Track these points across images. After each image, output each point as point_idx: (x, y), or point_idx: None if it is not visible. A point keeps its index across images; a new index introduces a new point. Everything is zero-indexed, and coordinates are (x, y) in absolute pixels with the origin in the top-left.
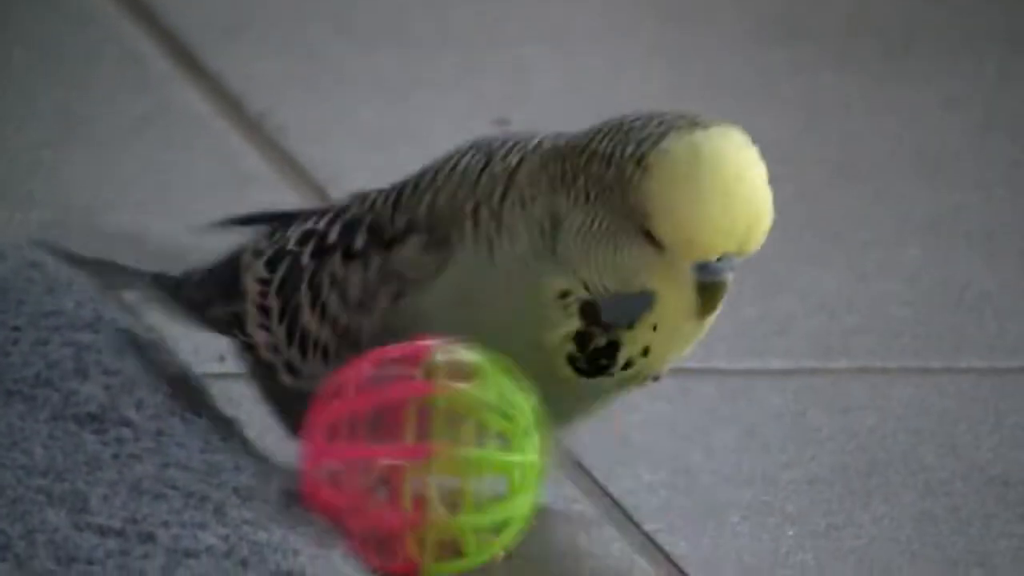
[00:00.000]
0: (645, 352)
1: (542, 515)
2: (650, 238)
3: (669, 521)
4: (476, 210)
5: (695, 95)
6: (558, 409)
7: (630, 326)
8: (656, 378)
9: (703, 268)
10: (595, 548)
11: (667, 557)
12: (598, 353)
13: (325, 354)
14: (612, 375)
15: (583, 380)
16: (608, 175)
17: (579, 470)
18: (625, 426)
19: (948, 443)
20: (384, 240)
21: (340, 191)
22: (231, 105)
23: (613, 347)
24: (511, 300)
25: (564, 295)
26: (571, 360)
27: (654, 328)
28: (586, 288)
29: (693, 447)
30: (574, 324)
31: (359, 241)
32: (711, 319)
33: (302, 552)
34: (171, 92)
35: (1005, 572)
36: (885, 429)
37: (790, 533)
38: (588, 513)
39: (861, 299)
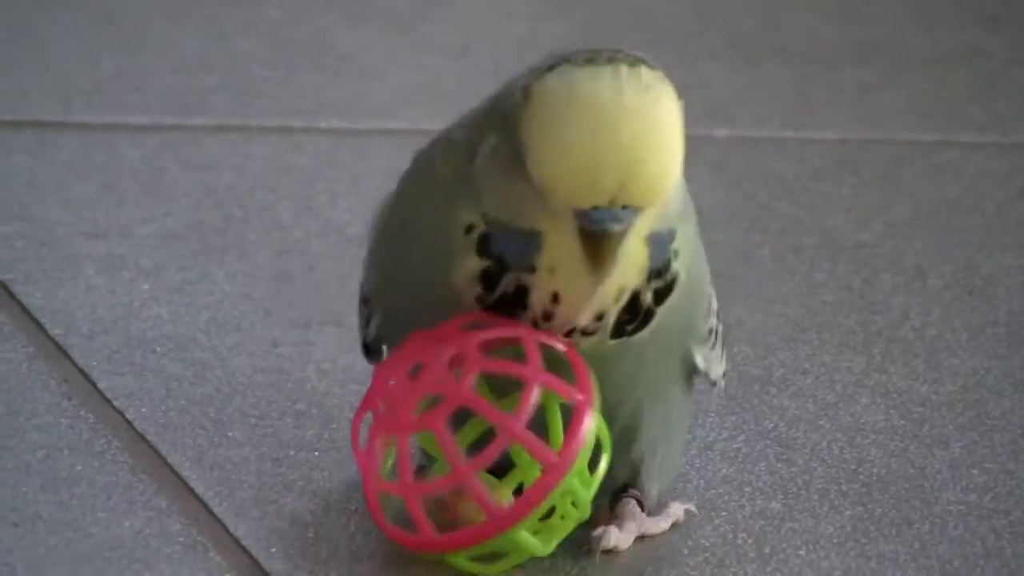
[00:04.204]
0: (555, 299)
1: None
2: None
3: (25, 272)
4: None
5: None
6: None
7: (527, 267)
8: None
9: (583, 215)
10: None
11: (23, 308)
12: (509, 299)
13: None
14: (535, 325)
15: None
16: (511, 104)
17: None
18: None
19: (305, 202)
20: None
21: None
22: None
23: (522, 291)
24: (431, 232)
25: (469, 229)
26: (480, 303)
27: (551, 272)
28: (485, 221)
29: (50, 200)
30: (475, 261)
31: None
32: (627, 270)
33: None
34: None
35: None
36: (242, 186)
37: (145, 287)
38: None
39: (221, 57)
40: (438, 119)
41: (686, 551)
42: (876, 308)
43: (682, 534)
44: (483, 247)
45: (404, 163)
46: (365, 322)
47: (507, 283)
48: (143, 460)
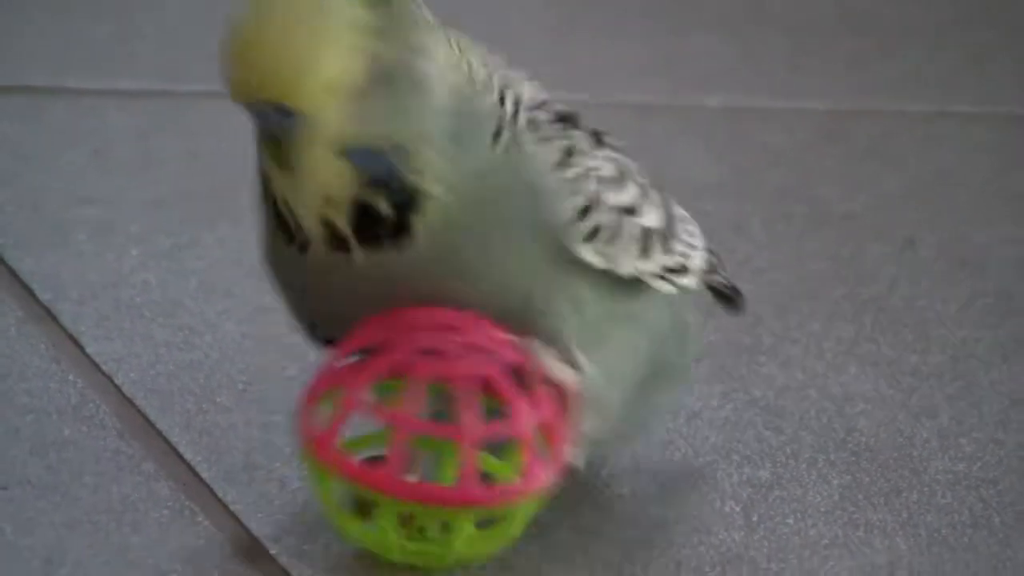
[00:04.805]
0: (285, 203)
1: None
2: None
3: (15, 238)
4: None
5: None
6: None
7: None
8: None
9: (247, 111)
10: None
11: (12, 273)
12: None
13: None
14: (303, 242)
15: (327, 262)
16: None
17: None
18: None
19: None
20: None
21: None
22: None
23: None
24: None
25: None
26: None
27: (272, 174)
28: None
29: (40, 165)
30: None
31: None
32: (319, 177)
33: None
34: None
35: None
36: (233, 153)
37: (134, 252)
38: None
39: (212, 23)
40: None
41: (673, 519)
42: (866, 278)
43: (669, 502)
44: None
45: None
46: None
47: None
48: (132, 425)
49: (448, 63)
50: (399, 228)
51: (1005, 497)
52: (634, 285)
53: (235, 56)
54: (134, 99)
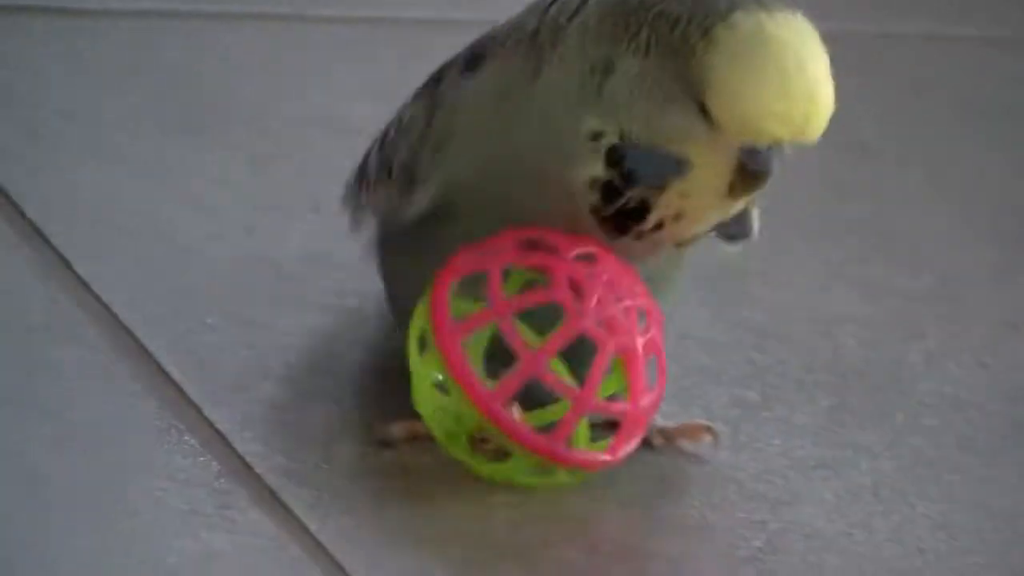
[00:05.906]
0: (677, 218)
1: None
2: (703, 109)
3: (3, 155)
4: (536, 31)
5: None
6: None
7: (658, 187)
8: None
9: (750, 153)
10: None
11: (1, 191)
12: (627, 212)
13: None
14: (639, 237)
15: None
16: (673, 37)
17: None
18: None
19: (285, 90)
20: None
21: None
22: None
23: (643, 208)
24: (543, 125)
25: (596, 136)
26: (593, 211)
27: (683, 195)
28: (621, 136)
29: (30, 83)
30: (599, 169)
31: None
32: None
33: None
34: None
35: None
36: (223, 73)
37: (123, 171)
38: None
39: None
40: (405, 7)
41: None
42: (855, 198)
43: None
44: (612, 159)
45: (380, 52)
46: (397, 192)
47: (631, 197)
48: (119, 345)
49: None
50: None
51: (991, 420)
52: None
53: (787, 100)
54: (126, 18)
